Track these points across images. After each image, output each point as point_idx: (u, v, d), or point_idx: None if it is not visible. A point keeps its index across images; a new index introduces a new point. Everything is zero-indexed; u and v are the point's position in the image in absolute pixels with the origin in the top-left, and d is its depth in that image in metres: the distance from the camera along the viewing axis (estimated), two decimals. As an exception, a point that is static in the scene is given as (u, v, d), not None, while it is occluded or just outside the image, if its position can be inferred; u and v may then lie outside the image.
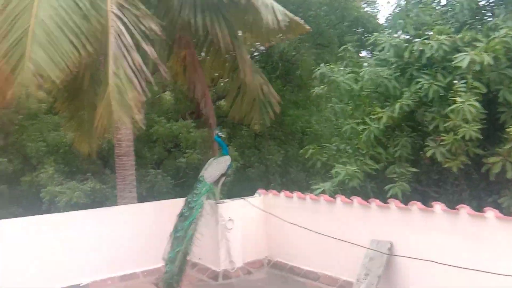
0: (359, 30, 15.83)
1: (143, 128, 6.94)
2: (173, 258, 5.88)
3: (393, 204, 5.58)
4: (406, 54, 7.09)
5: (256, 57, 16.08)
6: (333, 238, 5.97)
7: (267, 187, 13.83)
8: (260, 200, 7.47)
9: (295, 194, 6.95)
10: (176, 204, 7.28)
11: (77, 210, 10.16)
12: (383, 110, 7.41)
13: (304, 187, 14.28)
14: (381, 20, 16.07)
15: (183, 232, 6.17)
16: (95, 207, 10.90)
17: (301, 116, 15.22)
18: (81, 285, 6.37)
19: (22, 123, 12.64)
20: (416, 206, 5.31)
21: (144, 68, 6.58)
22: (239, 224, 6.92)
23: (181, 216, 6.38)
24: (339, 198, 6.24)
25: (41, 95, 12.49)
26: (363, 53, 15.76)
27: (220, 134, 7.14)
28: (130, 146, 8.70)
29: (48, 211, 10.89)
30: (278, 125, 16.03)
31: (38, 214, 11.20)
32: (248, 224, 7.10)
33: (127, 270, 6.82)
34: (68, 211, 10.19)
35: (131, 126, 6.79)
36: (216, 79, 14.14)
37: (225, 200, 7.04)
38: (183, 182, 12.95)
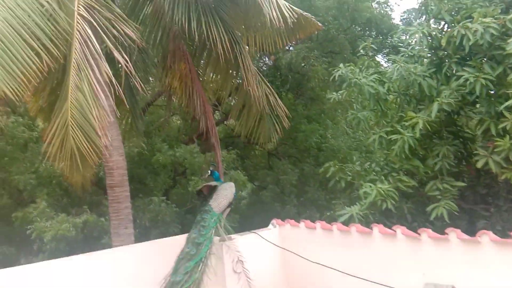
0: (373, 33, 14.61)
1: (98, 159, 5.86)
2: None
3: (454, 235, 4.19)
4: (443, 42, 5.80)
5: (264, 71, 14.95)
6: (372, 282, 4.58)
7: (282, 210, 12.67)
8: (275, 232, 6.14)
9: (318, 224, 5.62)
10: (176, 243, 6.05)
11: (65, 246, 9.21)
12: (417, 115, 6.15)
13: (324, 207, 13.04)
14: (396, 19, 14.84)
15: (185, 276, 4.98)
16: (87, 244, 9.81)
17: (315, 130, 14.02)
18: None
19: (13, 155, 11.57)
20: (487, 237, 3.91)
21: (114, 81, 5.46)
22: (251, 264, 5.57)
23: (184, 256, 5.24)
24: (377, 229, 4.87)
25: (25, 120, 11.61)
26: (379, 58, 14.55)
27: (211, 170, 6.35)
28: (124, 175, 7.43)
29: (38, 249, 9.82)
30: (292, 142, 14.95)
31: (29, 253, 10.38)
32: (262, 264, 5.73)
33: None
34: (54, 248, 9.17)
35: (92, 153, 5.57)
36: (222, 97, 13.15)
37: (232, 236, 5.72)
38: (186, 211, 11.77)
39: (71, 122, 5.52)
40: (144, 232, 10.52)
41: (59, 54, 5.32)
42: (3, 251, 10.62)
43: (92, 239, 10.01)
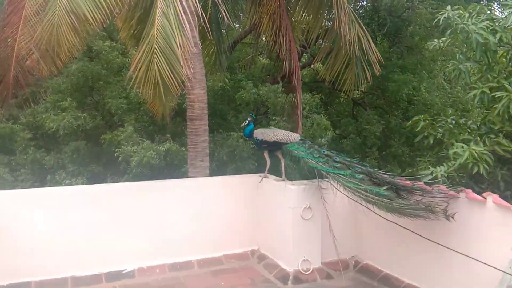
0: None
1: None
2: None
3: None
4: None
5: (360, 14, 13.94)
6: (451, 250, 4.19)
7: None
8: (350, 183, 5.81)
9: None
10: (246, 181, 6.04)
11: (148, 171, 9.65)
12: (532, 72, 5.33)
13: (406, 164, 12.35)
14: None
15: None
16: (169, 171, 10.21)
17: (409, 82, 12.99)
18: (124, 271, 5.31)
19: (107, 79, 12.12)
20: None
21: (200, 11, 5.25)
22: (319, 212, 5.37)
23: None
24: (464, 193, 4.37)
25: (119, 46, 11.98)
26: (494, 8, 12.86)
27: (248, 120, 6.01)
28: (204, 109, 7.45)
29: (124, 171, 10.40)
30: (381, 92, 14.11)
31: (115, 174, 11.05)
32: (332, 213, 5.48)
33: (180, 258, 5.61)
34: (138, 172, 9.63)
35: (174, 83, 5.51)
36: (312, 38, 12.60)
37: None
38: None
39: (156, 48, 5.50)
40: (221, 166, 10.67)
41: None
42: (92, 169, 11.34)
43: (173, 167, 10.34)
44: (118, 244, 5.36)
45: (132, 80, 5.75)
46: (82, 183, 9.86)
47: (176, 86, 6.02)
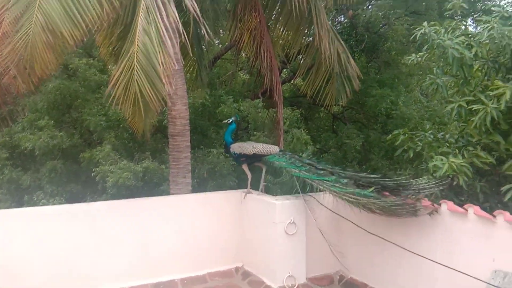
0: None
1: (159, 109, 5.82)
2: None
3: (536, 221, 3.69)
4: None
5: (338, 29, 14.19)
6: (433, 261, 4.22)
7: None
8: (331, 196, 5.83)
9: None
10: (229, 197, 6.01)
11: (124, 192, 9.50)
12: (506, 85, 5.46)
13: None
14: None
15: None
16: (147, 190, 10.08)
17: (386, 96, 13.22)
18: (104, 293, 5.19)
19: (85, 97, 11.98)
20: None
21: (182, 28, 5.26)
22: (303, 227, 5.36)
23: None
24: (446, 205, 4.42)
25: (96, 63, 11.89)
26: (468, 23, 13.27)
27: (232, 119, 6.13)
28: (186, 125, 7.41)
29: (102, 190, 10.22)
30: (359, 107, 14.28)
31: (94, 193, 10.86)
32: (315, 227, 5.49)
33: (163, 277, 5.50)
34: (115, 192, 9.48)
35: (155, 99, 5.48)
36: (291, 54, 12.74)
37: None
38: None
39: (136, 65, 5.46)
40: (202, 182, 10.60)
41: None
42: (71, 189, 11.13)
43: (152, 185, 10.24)
44: (99, 264, 5.23)
45: (111, 98, 5.66)
46: (60, 204, 9.66)
47: (156, 103, 5.98)
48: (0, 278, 4.75)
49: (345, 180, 5.13)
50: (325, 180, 5.17)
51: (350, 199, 4.94)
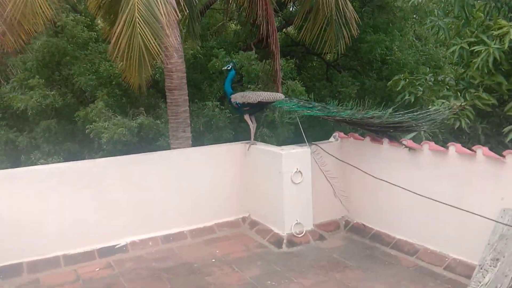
0: None
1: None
2: None
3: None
4: None
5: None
6: (443, 203, 4.28)
7: (339, 124, 12.28)
8: (336, 146, 5.86)
9: (386, 141, 5.23)
10: (233, 149, 6.00)
11: (121, 147, 9.44)
12: (510, 24, 5.37)
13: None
14: None
15: None
16: (143, 145, 10.02)
17: (381, 42, 12.99)
18: (116, 246, 5.23)
19: (74, 54, 11.64)
20: None
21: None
22: (309, 176, 5.39)
23: None
24: (454, 148, 4.43)
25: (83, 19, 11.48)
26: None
27: (230, 65, 5.98)
28: (183, 78, 7.26)
29: (99, 147, 10.15)
30: (354, 54, 14.05)
31: (92, 150, 10.79)
32: (321, 176, 5.53)
33: (172, 229, 5.56)
34: (111, 148, 9.42)
35: (159, 52, 5.32)
36: (284, 2, 12.32)
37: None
38: (240, 119, 11.57)
39: (138, 18, 5.25)
40: (198, 136, 10.54)
41: None
42: (67, 147, 11.03)
43: (148, 140, 10.17)
44: (108, 220, 5.25)
45: (114, 53, 5.47)
46: (59, 162, 9.61)
47: (160, 56, 5.82)
48: (12, 237, 4.78)
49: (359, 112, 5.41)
50: (342, 115, 5.40)
51: (369, 120, 5.21)
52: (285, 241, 5.26)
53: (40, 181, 5.02)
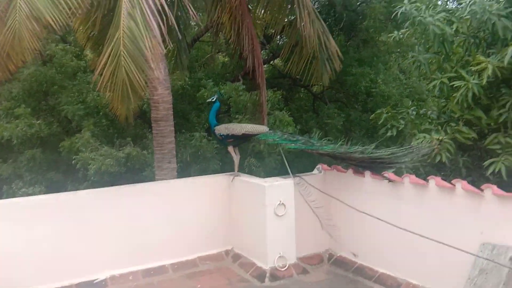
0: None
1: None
2: None
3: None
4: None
5: (316, 8, 14.11)
6: (423, 237, 4.30)
7: (328, 161, 12.37)
8: (320, 177, 5.90)
9: (369, 173, 5.28)
10: (217, 181, 5.99)
11: (107, 178, 9.37)
12: (488, 59, 5.54)
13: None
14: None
15: None
16: (130, 176, 9.96)
17: (366, 75, 13.27)
18: (95, 281, 5.13)
19: (62, 83, 11.67)
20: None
21: (167, 9, 5.14)
22: (292, 208, 5.39)
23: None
24: (434, 181, 4.49)
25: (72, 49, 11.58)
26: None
27: (215, 97, 6.09)
28: (169, 109, 7.32)
29: (83, 178, 10.06)
30: (339, 86, 14.29)
31: (75, 181, 10.68)
32: (305, 208, 5.53)
33: (153, 263, 5.48)
34: (98, 179, 9.34)
35: (143, 85, 5.38)
36: (271, 35, 12.57)
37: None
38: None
39: (123, 51, 5.31)
40: (185, 167, 10.52)
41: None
42: (51, 177, 10.92)
43: (135, 171, 10.12)
44: (88, 253, 5.16)
45: (99, 84, 5.52)
46: (40, 192, 9.50)
47: (144, 89, 5.87)
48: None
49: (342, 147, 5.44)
50: (325, 148, 5.45)
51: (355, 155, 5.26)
52: (268, 275, 5.20)
53: (19, 213, 4.94)
